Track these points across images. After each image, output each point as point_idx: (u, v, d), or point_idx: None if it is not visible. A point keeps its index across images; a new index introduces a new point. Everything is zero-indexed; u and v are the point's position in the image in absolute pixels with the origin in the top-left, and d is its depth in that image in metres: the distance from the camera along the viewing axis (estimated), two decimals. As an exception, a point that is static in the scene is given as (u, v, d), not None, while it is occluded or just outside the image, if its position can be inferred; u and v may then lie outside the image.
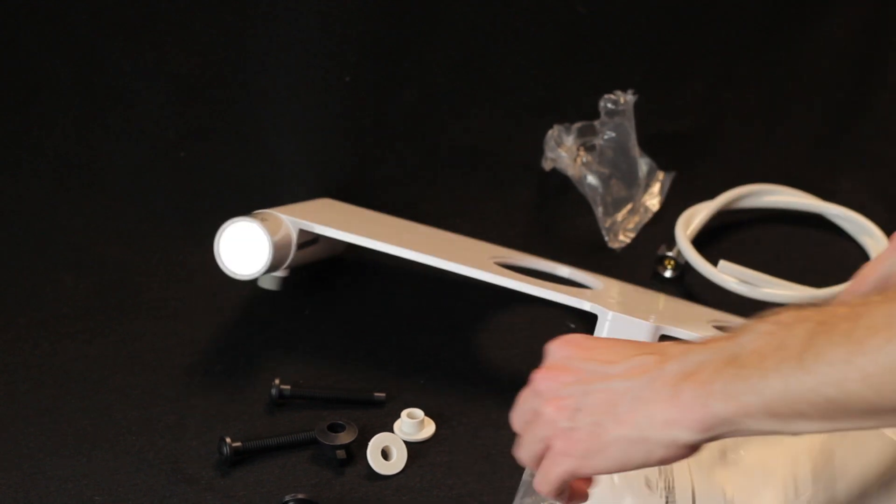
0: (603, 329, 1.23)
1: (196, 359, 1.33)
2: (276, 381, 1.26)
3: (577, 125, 1.53)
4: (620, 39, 1.66)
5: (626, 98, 1.51)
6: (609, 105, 1.52)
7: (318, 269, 1.43)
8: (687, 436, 0.90)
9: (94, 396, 1.27)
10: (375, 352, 1.35)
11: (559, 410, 0.95)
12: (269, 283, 1.35)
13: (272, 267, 1.30)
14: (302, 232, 1.32)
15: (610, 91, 1.52)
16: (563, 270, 1.39)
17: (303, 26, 1.56)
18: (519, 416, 0.99)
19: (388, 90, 1.60)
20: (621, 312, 1.23)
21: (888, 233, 1.50)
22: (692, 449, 0.91)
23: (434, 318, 1.39)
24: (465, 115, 1.62)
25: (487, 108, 1.64)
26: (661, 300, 1.37)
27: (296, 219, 1.32)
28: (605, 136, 1.52)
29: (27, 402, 1.27)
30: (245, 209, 1.54)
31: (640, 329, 1.22)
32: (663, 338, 1.23)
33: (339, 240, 1.32)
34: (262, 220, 1.29)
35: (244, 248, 1.28)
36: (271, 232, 1.29)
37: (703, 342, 0.92)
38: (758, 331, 0.88)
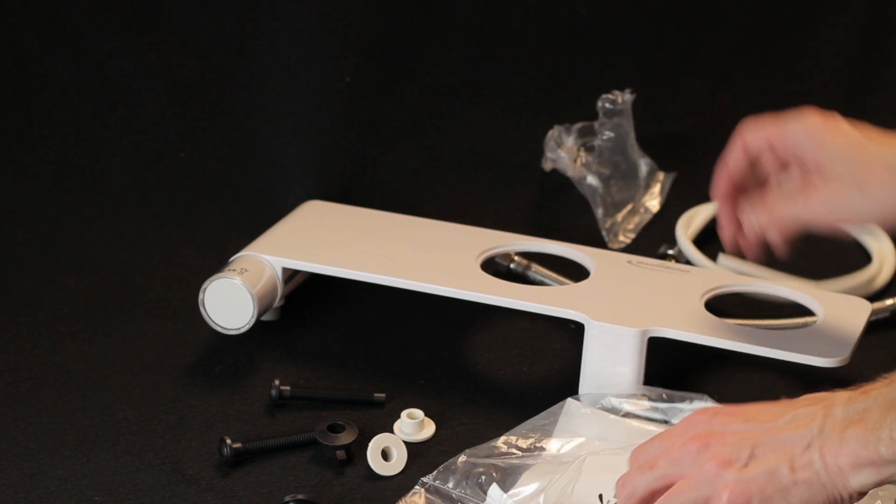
0: (590, 336, 1.23)
1: (196, 359, 1.33)
2: (276, 382, 1.26)
3: (578, 126, 1.53)
4: (620, 39, 1.66)
5: (625, 98, 1.51)
6: (607, 105, 1.52)
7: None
8: (856, 480, 0.93)
9: (94, 396, 1.27)
10: (375, 352, 1.35)
11: (727, 464, 0.95)
12: (268, 316, 1.37)
13: (262, 312, 1.31)
14: (286, 268, 1.33)
15: (610, 91, 1.52)
16: (553, 247, 1.38)
17: (303, 26, 1.56)
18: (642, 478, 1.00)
19: (388, 90, 1.60)
20: (607, 321, 1.22)
21: (888, 232, 1.50)
22: (861, 494, 0.94)
23: (434, 318, 1.39)
24: (465, 115, 1.62)
25: (487, 108, 1.64)
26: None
27: (278, 258, 1.32)
28: (604, 137, 1.52)
29: (27, 402, 1.27)
30: (245, 209, 1.54)
31: (627, 336, 1.22)
32: (652, 340, 1.23)
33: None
34: (243, 271, 1.30)
35: (229, 303, 1.30)
36: (253, 282, 1.30)
37: (865, 390, 0.94)
38: None
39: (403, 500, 1.13)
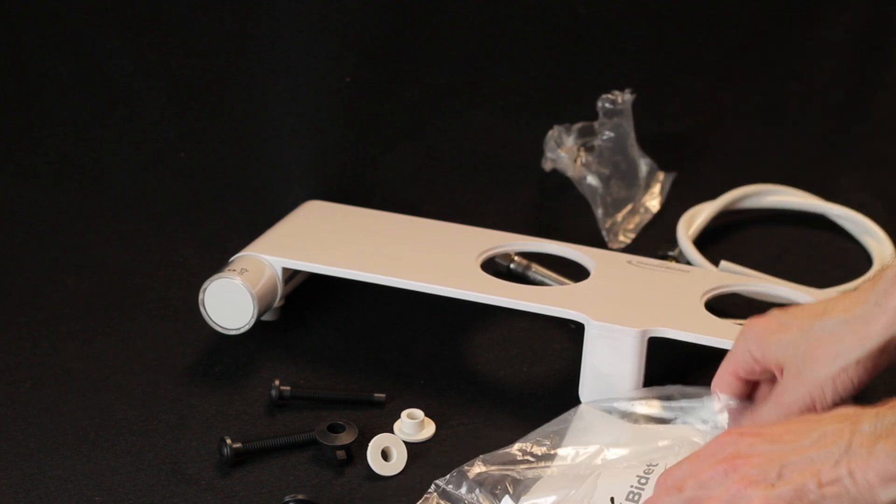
0: (589, 336, 1.23)
1: (196, 359, 1.33)
2: (276, 382, 1.26)
3: (578, 126, 1.53)
4: (620, 39, 1.66)
5: (625, 98, 1.51)
6: (607, 105, 1.52)
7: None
8: (885, 495, 0.93)
9: (94, 396, 1.27)
10: (375, 352, 1.35)
11: (754, 484, 0.96)
12: (268, 316, 1.37)
13: (262, 312, 1.31)
14: (286, 268, 1.33)
15: (610, 91, 1.52)
16: (553, 247, 1.38)
17: (303, 26, 1.56)
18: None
19: (388, 90, 1.60)
20: (607, 320, 1.22)
21: (889, 232, 1.50)
22: None
23: (434, 318, 1.39)
24: (465, 115, 1.62)
25: (487, 108, 1.64)
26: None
27: (278, 258, 1.32)
28: (604, 137, 1.52)
29: (27, 402, 1.27)
30: (245, 209, 1.54)
31: (627, 336, 1.22)
32: (652, 340, 1.23)
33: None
34: (243, 271, 1.30)
35: (229, 303, 1.30)
36: (253, 282, 1.30)
37: (893, 405, 0.95)
38: None
39: None
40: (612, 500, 1.09)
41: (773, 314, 1.13)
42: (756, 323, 1.13)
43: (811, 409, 1.07)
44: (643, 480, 1.10)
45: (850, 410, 0.97)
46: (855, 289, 1.11)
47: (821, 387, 1.07)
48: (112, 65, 1.58)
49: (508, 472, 1.14)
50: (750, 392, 1.16)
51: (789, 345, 1.09)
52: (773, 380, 1.13)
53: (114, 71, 1.59)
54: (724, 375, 1.15)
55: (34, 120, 1.59)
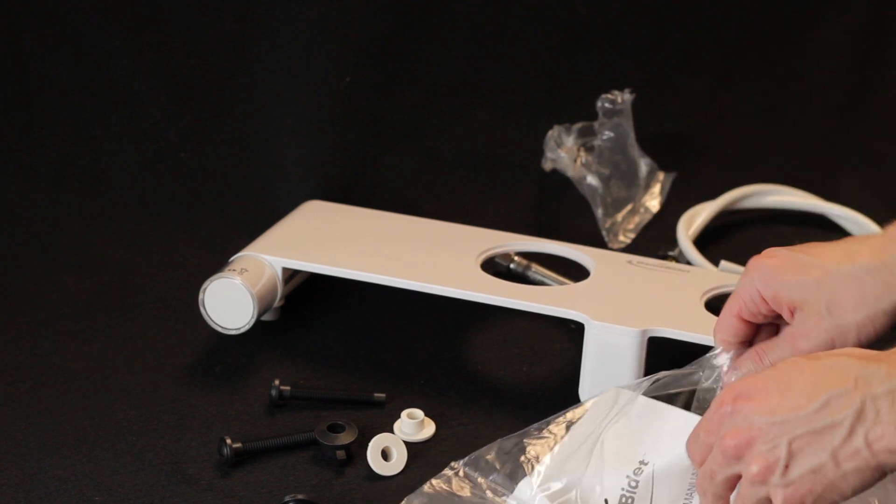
0: (589, 336, 1.23)
1: (196, 359, 1.33)
2: (276, 382, 1.26)
3: (578, 126, 1.53)
4: (620, 39, 1.66)
5: (624, 97, 1.51)
6: (607, 105, 1.52)
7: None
8: None
9: (94, 396, 1.27)
10: (375, 352, 1.35)
11: (767, 470, 0.94)
12: (268, 316, 1.37)
13: (262, 312, 1.31)
14: (286, 268, 1.33)
15: (609, 91, 1.52)
16: (553, 247, 1.38)
17: (303, 26, 1.56)
18: (711, 486, 0.98)
19: (388, 90, 1.60)
20: (607, 320, 1.22)
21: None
22: None
23: (434, 318, 1.39)
24: (465, 115, 1.62)
25: (487, 108, 1.64)
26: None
27: (278, 258, 1.32)
28: (604, 137, 1.52)
29: (27, 402, 1.27)
30: (245, 209, 1.54)
31: (627, 336, 1.22)
32: (652, 340, 1.22)
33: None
34: (243, 271, 1.30)
35: (229, 303, 1.30)
36: (253, 282, 1.30)
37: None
38: None
39: (431, 482, 1.12)
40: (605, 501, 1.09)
41: (782, 253, 1.07)
42: (764, 262, 1.07)
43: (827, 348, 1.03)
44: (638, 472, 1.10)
45: (852, 364, 0.93)
46: (883, 232, 1.07)
47: (844, 334, 1.03)
48: (112, 65, 1.58)
49: (526, 441, 1.13)
50: (751, 336, 1.10)
51: (810, 286, 1.04)
52: (774, 324, 1.09)
53: (114, 71, 1.59)
54: (727, 317, 1.09)
55: (34, 120, 1.59)
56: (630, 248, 1.50)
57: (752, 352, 1.09)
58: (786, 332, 1.07)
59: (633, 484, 1.09)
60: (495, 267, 1.43)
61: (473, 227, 1.42)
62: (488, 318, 1.38)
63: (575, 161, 1.52)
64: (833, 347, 1.03)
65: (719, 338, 1.11)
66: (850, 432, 0.91)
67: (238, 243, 1.38)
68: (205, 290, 1.30)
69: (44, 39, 1.58)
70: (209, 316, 1.31)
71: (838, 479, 0.92)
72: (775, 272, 1.06)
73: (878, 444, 0.91)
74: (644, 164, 1.56)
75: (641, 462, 1.11)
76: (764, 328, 1.10)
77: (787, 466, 0.93)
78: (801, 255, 1.06)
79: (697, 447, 0.99)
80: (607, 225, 1.52)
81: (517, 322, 1.37)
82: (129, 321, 1.39)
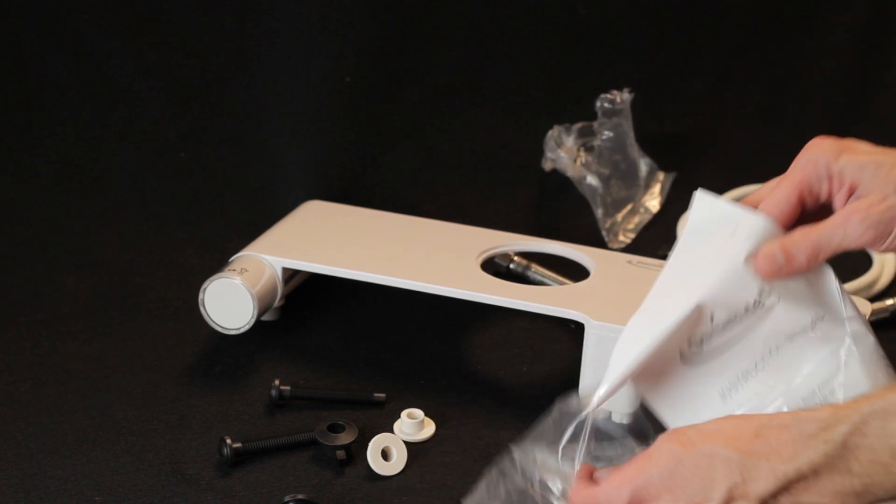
0: (590, 336, 1.23)
1: (196, 359, 1.33)
2: (276, 382, 1.26)
3: (577, 126, 1.53)
4: (620, 39, 1.66)
5: (623, 97, 1.51)
6: (606, 105, 1.52)
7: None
8: None
9: (94, 396, 1.27)
10: (375, 352, 1.35)
11: None
12: (268, 316, 1.37)
13: (262, 312, 1.31)
14: (286, 268, 1.34)
15: (609, 91, 1.52)
16: (553, 247, 1.38)
17: (303, 26, 1.56)
18: None
19: (388, 90, 1.60)
20: (608, 320, 1.22)
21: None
22: None
23: (434, 318, 1.39)
24: (465, 115, 1.62)
25: (487, 108, 1.64)
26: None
27: (278, 258, 1.32)
28: (604, 137, 1.52)
29: (27, 402, 1.27)
30: (245, 209, 1.54)
31: None
32: None
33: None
34: (243, 271, 1.30)
35: (229, 303, 1.30)
36: (253, 282, 1.30)
37: (785, 456, 0.92)
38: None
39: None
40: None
41: (841, 140, 1.04)
42: (825, 141, 1.03)
43: (881, 234, 1.00)
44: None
45: (733, 456, 0.93)
46: None
47: None
48: (112, 65, 1.58)
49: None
50: (793, 222, 1.05)
51: (881, 166, 1.00)
52: (822, 210, 1.04)
53: (114, 71, 1.59)
54: (786, 189, 1.03)
55: (34, 120, 1.59)
56: (630, 248, 1.50)
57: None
58: (841, 214, 1.02)
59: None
60: (495, 267, 1.43)
61: (473, 227, 1.42)
62: (488, 318, 1.38)
63: (575, 161, 1.52)
64: (888, 232, 0.99)
65: (768, 209, 1.04)
66: None
67: (238, 243, 1.38)
68: (205, 290, 1.30)
69: (44, 39, 1.58)
70: (209, 316, 1.31)
71: None
72: (838, 148, 1.03)
73: None
74: (644, 164, 1.56)
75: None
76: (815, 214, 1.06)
77: None
78: (863, 145, 1.03)
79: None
80: (607, 225, 1.52)
81: (517, 322, 1.38)
82: (129, 321, 1.39)
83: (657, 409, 1.07)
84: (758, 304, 1.05)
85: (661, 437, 0.96)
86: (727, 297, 1.05)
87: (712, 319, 1.05)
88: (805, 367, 1.05)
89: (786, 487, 0.92)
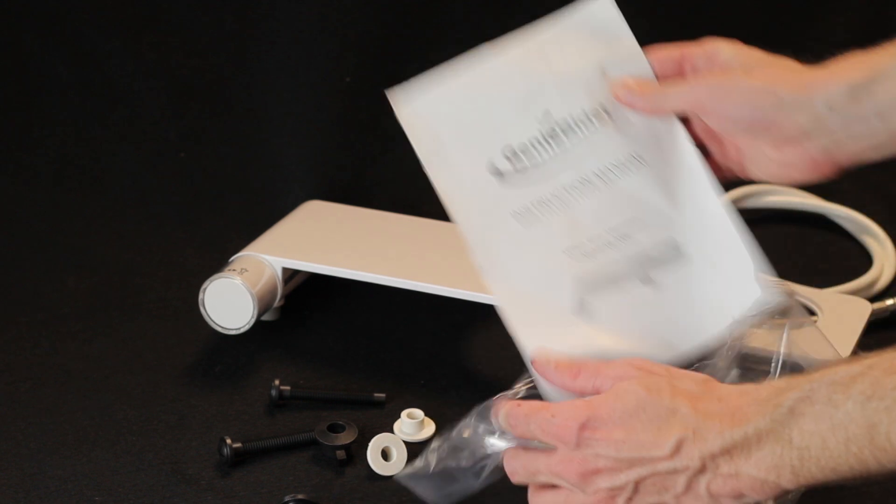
0: None
1: (196, 359, 1.33)
2: (276, 382, 1.26)
3: (578, 125, 1.53)
4: (620, 39, 1.66)
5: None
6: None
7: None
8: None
9: (94, 396, 1.27)
10: (375, 352, 1.35)
11: (611, 499, 0.97)
12: (268, 316, 1.37)
13: (262, 312, 1.31)
14: (286, 268, 1.34)
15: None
16: None
17: (303, 26, 1.56)
18: (527, 477, 1.01)
19: (387, 90, 1.60)
20: None
21: (889, 232, 1.50)
22: None
23: (434, 318, 1.39)
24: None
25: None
26: None
27: (278, 258, 1.32)
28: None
29: (27, 402, 1.27)
30: (245, 209, 1.54)
31: None
32: None
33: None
34: (243, 271, 1.30)
35: (229, 303, 1.30)
36: (253, 282, 1.30)
37: (738, 418, 0.94)
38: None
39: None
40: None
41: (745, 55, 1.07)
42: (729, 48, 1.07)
43: (717, 110, 1.05)
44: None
45: (690, 414, 0.95)
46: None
47: (760, 84, 1.04)
48: (112, 65, 1.58)
49: None
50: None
51: (739, 50, 1.06)
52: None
53: (114, 71, 1.59)
54: (672, 52, 1.10)
55: (34, 120, 1.59)
56: (630, 248, 1.50)
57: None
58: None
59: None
60: (495, 267, 1.42)
61: None
62: (488, 318, 1.38)
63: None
64: (735, 114, 1.05)
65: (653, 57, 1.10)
66: (691, 482, 0.95)
67: (238, 243, 1.38)
68: (205, 290, 1.30)
69: (44, 39, 1.58)
70: (209, 316, 1.31)
71: None
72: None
73: (720, 493, 0.94)
74: (644, 164, 1.56)
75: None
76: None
77: (629, 500, 0.96)
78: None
79: (526, 429, 1.00)
80: (607, 225, 1.51)
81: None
82: (129, 321, 1.39)
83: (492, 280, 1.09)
84: (598, 115, 1.09)
85: (632, 379, 0.98)
86: (570, 90, 1.09)
87: (546, 119, 1.09)
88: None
89: (728, 451, 0.93)
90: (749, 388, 0.96)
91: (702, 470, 0.94)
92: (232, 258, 1.34)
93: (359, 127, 1.58)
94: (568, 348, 1.05)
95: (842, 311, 1.28)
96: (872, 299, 1.37)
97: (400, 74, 1.61)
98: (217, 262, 1.37)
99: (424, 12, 1.60)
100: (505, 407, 1.03)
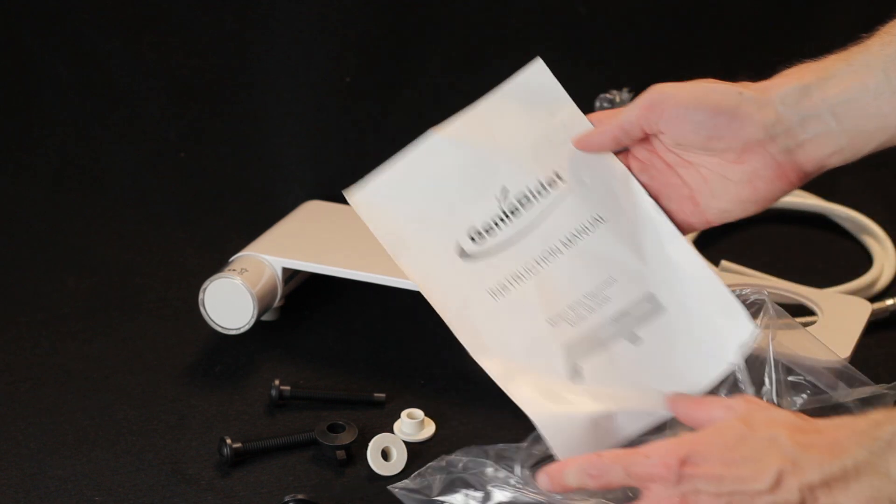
0: None
1: (196, 359, 1.33)
2: (276, 382, 1.26)
3: (578, 125, 1.53)
4: (620, 39, 1.66)
5: (622, 97, 1.51)
6: (605, 104, 1.51)
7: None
8: None
9: (94, 396, 1.27)
10: (375, 352, 1.35)
11: None
12: (268, 316, 1.37)
13: (262, 312, 1.31)
14: (286, 268, 1.33)
15: (609, 91, 1.52)
16: None
17: (303, 27, 1.56)
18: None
19: (388, 90, 1.60)
20: None
21: (889, 232, 1.50)
22: None
23: (434, 318, 1.38)
24: (466, 115, 1.62)
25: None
26: None
27: (278, 258, 1.32)
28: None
29: (27, 402, 1.27)
30: (245, 209, 1.54)
31: None
32: None
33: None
34: (243, 271, 1.30)
35: (229, 303, 1.30)
36: (253, 282, 1.30)
37: (835, 451, 0.94)
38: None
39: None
40: None
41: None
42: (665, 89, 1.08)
43: (655, 117, 1.06)
44: None
45: (789, 444, 0.96)
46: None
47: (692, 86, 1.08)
48: (112, 65, 1.58)
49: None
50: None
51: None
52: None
53: (114, 71, 1.59)
54: (614, 130, 1.10)
55: (34, 120, 1.59)
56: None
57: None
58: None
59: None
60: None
61: None
62: (488, 318, 1.38)
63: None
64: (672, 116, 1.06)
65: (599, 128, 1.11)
66: None
67: (238, 243, 1.38)
68: (205, 290, 1.30)
69: (44, 39, 1.58)
70: (209, 316, 1.31)
71: None
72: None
73: None
74: (644, 164, 1.56)
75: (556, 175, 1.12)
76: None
77: None
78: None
79: (613, 477, 1.00)
80: (607, 225, 1.52)
81: (517, 322, 1.37)
82: (129, 321, 1.39)
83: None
84: (553, 182, 1.11)
85: (729, 416, 0.99)
86: (521, 163, 1.12)
87: (505, 196, 1.11)
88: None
89: (827, 483, 0.94)
90: (846, 420, 0.97)
91: (801, 502, 0.94)
92: (232, 258, 1.34)
93: (359, 127, 1.58)
94: (572, 412, 1.07)
95: (842, 311, 1.28)
96: (872, 299, 1.37)
97: (400, 74, 1.61)
98: (217, 262, 1.37)
99: (424, 12, 1.60)
100: (574, 464, 1.02)
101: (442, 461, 1.10)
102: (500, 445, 1.12)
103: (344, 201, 1.49)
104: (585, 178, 1.12)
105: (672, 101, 1.06)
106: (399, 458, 1.19)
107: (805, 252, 1.52)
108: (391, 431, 1.22)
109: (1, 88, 1.59)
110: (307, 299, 1.41)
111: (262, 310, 1.32)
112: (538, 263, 1.11)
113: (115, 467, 1.19)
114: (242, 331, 1.31)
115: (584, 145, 1.11)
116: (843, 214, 1.54)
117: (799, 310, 1.33)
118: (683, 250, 1.10)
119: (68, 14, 1.57)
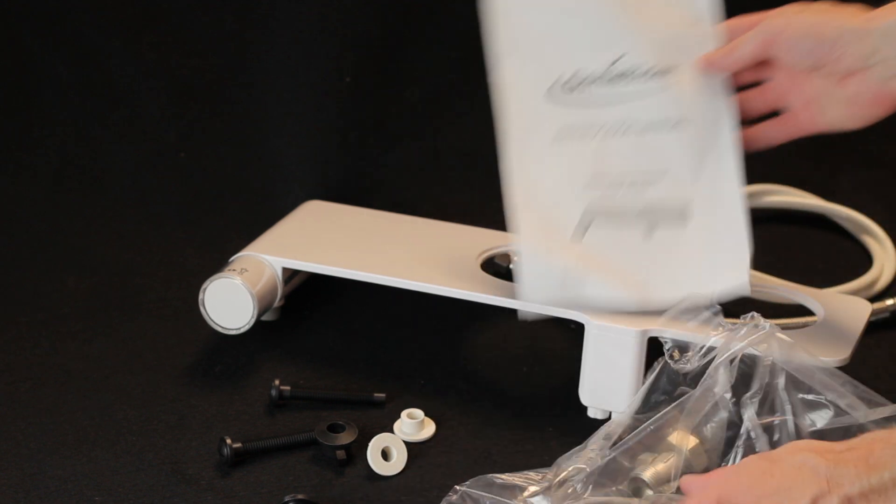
0: (589, 336, 1.22)
1: (196, 359, 1.33)
2: (276, 382, 1.26)
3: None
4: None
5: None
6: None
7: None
8: None
9: (94, 396, 1.27)
10: (375, 352, 1.35)
11: None
12: (268, 316, 1.37)
13: (262, 312, 1.31)
14: (286, 268, 1.33)
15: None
16: None
17: (303, 27, 1.56)
18: None
19: (388, 90, 1.60)
20: (607, 320, 1.22)
21: (889, 232, 1.50)
22: None
23: (434, 318, 1.39)
24: (466, 114, 1.62)
25: (488, 107, 1.63)
26: None
27: (278, 258, 1.32)
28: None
29: (27, 402, 1.27)
30: (245, 209, 1.54)
31: (627, 336, 1.21)
32: (652, 340, 1.22)
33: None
34: (243, 271, 1.30)
35: (229, 303, 1.30)
36: (253, 282, 1.30)
37: (872, 464, 0.95)
38: None
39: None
40: None
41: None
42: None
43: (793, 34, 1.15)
44: None
45: (819, 463, 0.96)
46: None
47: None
48: (112, 65, 1.58)
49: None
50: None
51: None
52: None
53: (114, 71, 1.59)
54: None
55: (34, 120, 1.59)
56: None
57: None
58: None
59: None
60: (495, 267, 1.42)
61: (473, 227, 1.42)
62: (488, 318, 1.38)
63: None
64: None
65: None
66: None
67: (238, 243, 1.38)
68: (205, 290, 1.31)
69: (44, 39, 1.58)
70: (209, 316, 1.31)
71: None
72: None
73: None
74: (644, 164, 1.56)
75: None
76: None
77: None
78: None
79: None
80: (607, 225, 1.52)
81: (517, 322, 1.37)
82: (129, 321, 1.39)
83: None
84: (663, 74, 1.19)
85: (750, 456, 1.01)
86: (647, 43, 1.19)
87: (617, 61, 1.19)
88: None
89: (866, 496, 0.94)
90: (879, 433, 0.98)
91: None
92: (232, 258, 1.34)
93: (359, 127, 1.58)
94: (553, 259, 1.18)
95: (842, 311, 1.28)
96: (872, 299, 1.37)
97: (400, 74, 1.61)
98: (217, 262, 1.37)
99: (424, 12, 1.60)
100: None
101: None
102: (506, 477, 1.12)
103: (344, 201, 1.50)
104: (690, 85, 1.19)
105: (785, 35, 1.16)
106: (399, 458, 1.19)
107: (805, 252, 1.52)
108: (391, 431, 1.22)
109: (1, 88, 1.59)
110: (307, 299, 1.41)
111: (262, 310, 1.32)
112: (608, 133, 1.19)
113: (115, 467, 1.19)
114: (242, 331, 1.31)
115: (707, 66, 1.20)
116: (843, 214, 1.54)
117: (799, 310, 1.33)
118: (734, 194, 1.21)
119: (68, 14, 1.57)
